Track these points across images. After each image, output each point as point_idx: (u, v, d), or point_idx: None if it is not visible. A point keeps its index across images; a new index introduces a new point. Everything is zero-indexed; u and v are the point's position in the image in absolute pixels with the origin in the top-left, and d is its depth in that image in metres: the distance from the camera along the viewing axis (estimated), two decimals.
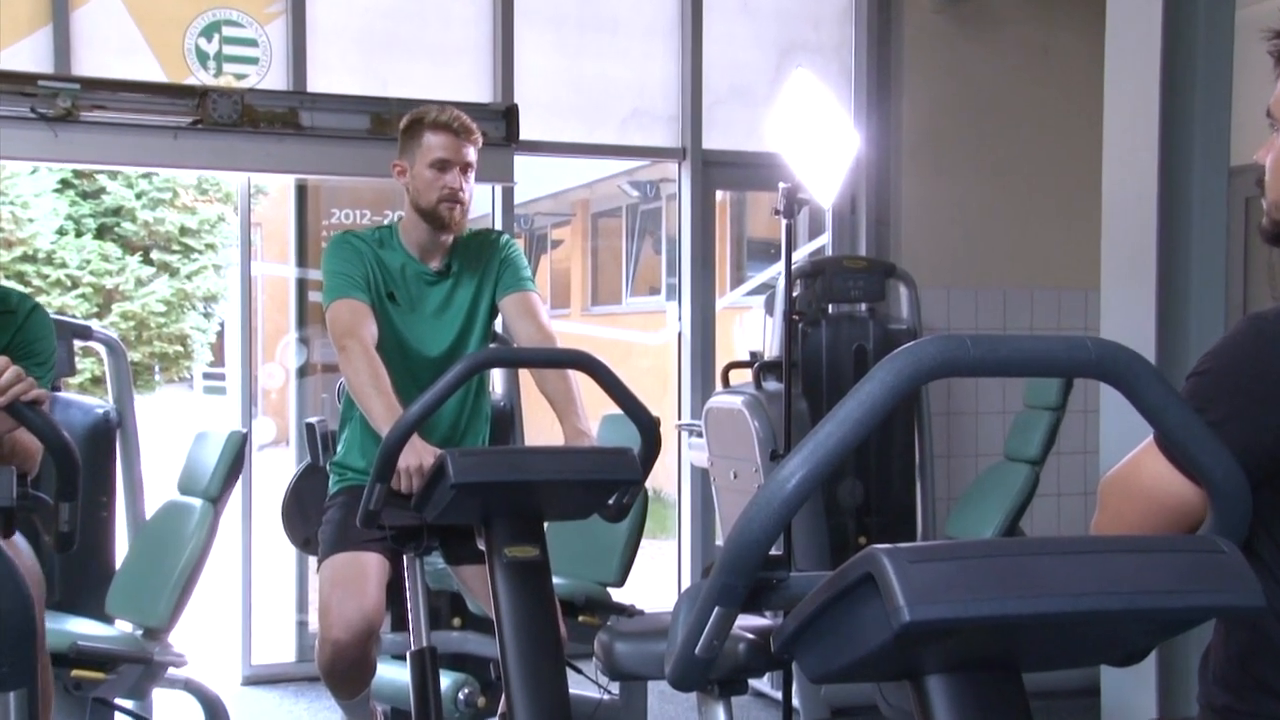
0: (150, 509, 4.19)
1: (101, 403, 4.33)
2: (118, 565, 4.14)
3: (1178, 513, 1.55)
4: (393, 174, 3.36)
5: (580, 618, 3.93)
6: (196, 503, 3.85)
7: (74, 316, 10.42)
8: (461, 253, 3.34)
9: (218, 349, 16.35)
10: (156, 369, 16.22)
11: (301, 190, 5.56)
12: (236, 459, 3.91)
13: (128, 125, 4.95)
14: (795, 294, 4.82)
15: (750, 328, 8.38)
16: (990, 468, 5.15)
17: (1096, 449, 4.02)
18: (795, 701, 4.61)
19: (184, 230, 15.55)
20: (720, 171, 6.13)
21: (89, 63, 5.09)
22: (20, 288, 5.26)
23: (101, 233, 15.16)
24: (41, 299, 4.51)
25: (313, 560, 3.60)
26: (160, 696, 3.92)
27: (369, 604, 3.08)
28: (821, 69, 5.95)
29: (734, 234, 11.09)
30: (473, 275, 3.33)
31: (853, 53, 6.26)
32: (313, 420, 3.54)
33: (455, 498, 2.73)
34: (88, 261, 14.85)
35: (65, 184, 14.75)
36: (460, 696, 3.87)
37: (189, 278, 15.65)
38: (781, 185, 4.01)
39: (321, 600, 3.16)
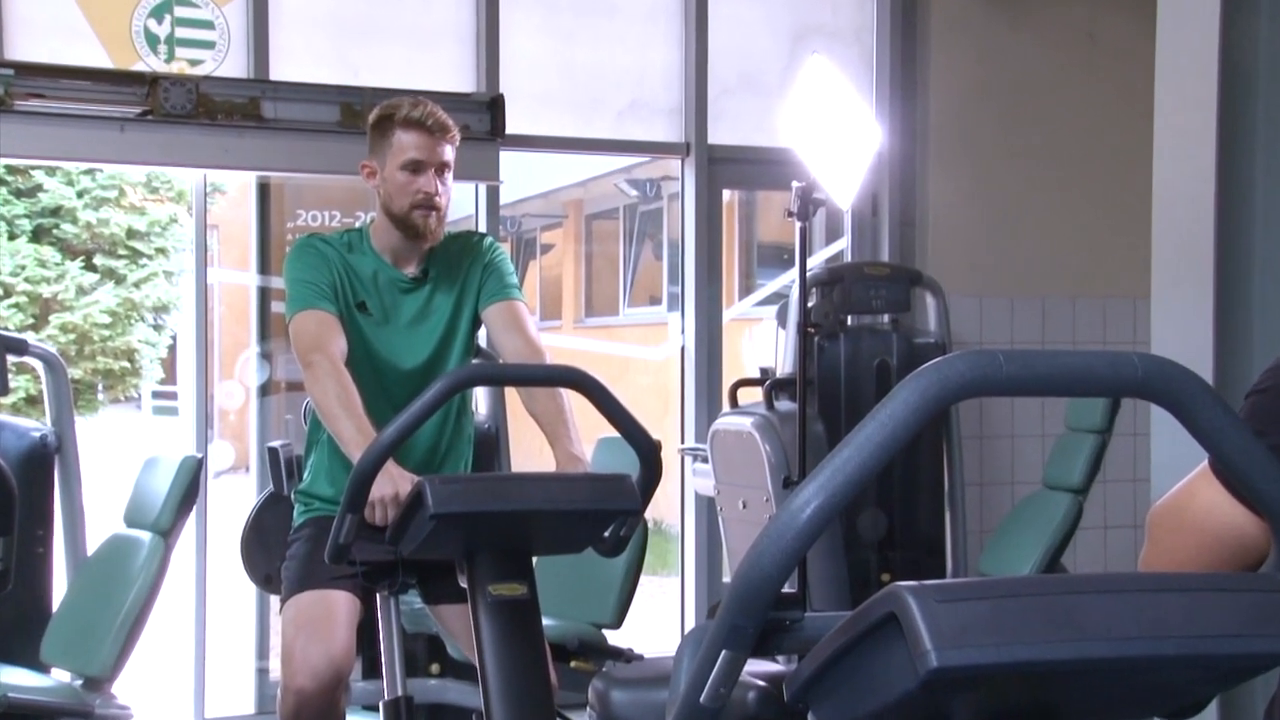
0: (93, 544, 4.19)
1: (38, 425, 4.34)
2: (55, 607, 4.14)
3: (1236, 547, 1.55)
4: (361, 175, 3.36)
5: (573, 663, 3.94)
6: (145, 536, 3.85)
7: (7, 329, 10.43)
8: (440, 257, 3.35)
9: (169, 365, 16.34)
10: (100, 387, 16.21)
11: (263, 189, 5.57)
12: (190, 487, 3.91)
13: (68, 116, 4.95)
14: (810, 304, 4.84)
15: (761, 341, 8.40)
16: (1028, 497, 5.16)
17: (1147, 476, 4.02)
18: None
19: (131, 233, 15.54)
20: (727, 169, 6.14)
21: (24, 46, 5.10)
22: None
23: (38, 235, 15.15)
24: None
25: (275, 600, 3.60)
26: None
27: (337, 648, 3.08)
28: (840, 55, 5.97)
29: (743, 238, 11.11)
30: (452, 282, 3.33)
31: (874, 37, 6.28)
32: (276, 444, 3.54)
33: (434, 530, 2.73)
34: (22, 267, 14.85)
35: None
36: None
37: (137, 286, 15.65)
38: (795, 184, 4.03)
39: (284, 644, 3.16)
